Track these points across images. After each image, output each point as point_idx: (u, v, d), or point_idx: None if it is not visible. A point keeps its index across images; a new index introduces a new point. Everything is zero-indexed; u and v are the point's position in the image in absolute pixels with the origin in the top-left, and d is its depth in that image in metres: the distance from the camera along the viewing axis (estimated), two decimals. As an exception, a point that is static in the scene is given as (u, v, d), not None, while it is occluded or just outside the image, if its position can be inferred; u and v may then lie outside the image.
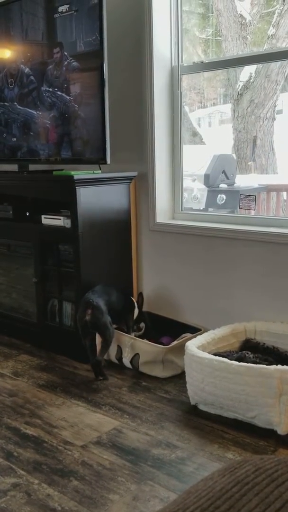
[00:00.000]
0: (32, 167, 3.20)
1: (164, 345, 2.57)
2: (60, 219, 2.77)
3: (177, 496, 1.54)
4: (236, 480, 0.63)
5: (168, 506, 0.62)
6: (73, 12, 2.68)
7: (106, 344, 2.50)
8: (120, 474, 1.80)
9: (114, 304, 2.60)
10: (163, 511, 0.60)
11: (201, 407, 2.20)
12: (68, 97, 2.80)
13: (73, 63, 2.74)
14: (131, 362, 2.62)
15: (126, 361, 2.64)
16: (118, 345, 2.65)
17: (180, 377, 2.49)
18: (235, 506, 0.57)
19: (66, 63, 2.77)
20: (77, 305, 2.57)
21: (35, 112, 3.02)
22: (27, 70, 3.01)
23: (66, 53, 2.76)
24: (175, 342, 2.61)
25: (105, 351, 2.51)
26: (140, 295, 2.84)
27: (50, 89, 2.89)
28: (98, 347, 2.72)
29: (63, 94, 2.83)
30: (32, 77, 2.99)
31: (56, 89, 2.86)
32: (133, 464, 1.86)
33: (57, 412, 2.25)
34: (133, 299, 2.81)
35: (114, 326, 2.68)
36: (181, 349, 2.39)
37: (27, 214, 3.09)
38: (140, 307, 2.80)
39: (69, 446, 1.99)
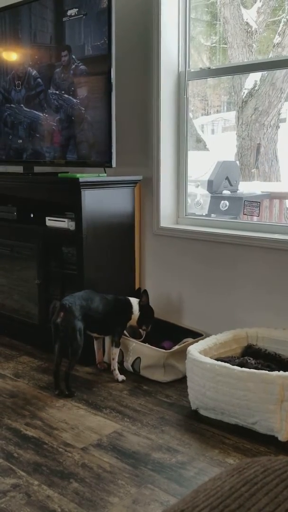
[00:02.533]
0: (37, 169, 3.21)
1: (165, 350, 2.57)
2: (64, 221, 2.78)
3: (179, 499, 1.54)
4: (245, 480, 0.63)
5: (177, 504, 0.62)
6: (82, 16, 2.70)
7: (73, 353, 2.39)
8: (120, 477, 1.80)
9: (94, 311, 2.48)
10: (172, 509, 0.60)
11: (202, 412, 2.20)
12: (75, 100, 2.82)
13: (81, 67, 2.76)
14: (132, 365, 2.62)
15: (128, 364, 2.64)
16: (120, 349, 2.64)
17: (181, 382, 2.49)
18: (244, 505, 0.58)
19: (73, 66, 2.79)
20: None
21: (41, 115, 3.04)
22: (34, 72, 3.03)
23: (74, 57, 2.78)
24: (176, 347, 2.61)
25: (73, 363, 2.42)
26: (144, 292, 2.68)
27: (57, 92, 2.91)
28: (100, 351, 2.73)
29: (70, 97, 2.84)
30: (39, 80, 3.01)
31: (63, 92, 2.87)
32: (133, 467, 1.86)
33: (57, 414, 2.25)
34: (133, 303, 2.63)
35: (97, 335, 2.63)
36: (182, 353, 2.39)
37: (31, 215, 3.09)
38: (146, 305, 2.65)
39: (70, 448, 1.99)
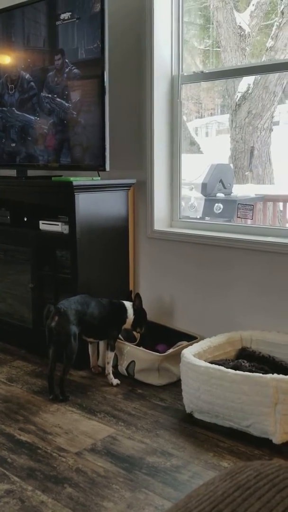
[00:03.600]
0: (30, 172, 3.20)
1: (160, 353, 2.57)
2: (58, 225, 2.78)
3: (173, 503, 1.53)
4: (238, 484, 0.63)
5: (169, 510, 0.61)
6: (75, 19, 2.70)
7: (67, 358, 2.38)
8: (115, 482, 1.79)
9: (90, 316, 2.47)
10: (164, 515, 0.60)
11: (197, 415, 2.19)
12: (68, 104, 2.81)
13: (74, 70, 2.76)
14: (126, 369, 2.61)
15: (122, 368, 2.63)
16: (114, 353, 2.64)
17: (175, 385, 2.49)
18: (237, 510, 0.57)
19: (67, 70, 2.79)
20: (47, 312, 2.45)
21: (34, 118, 3.03)
22: (27, 76, 3.03)
23: (67, 60, 2.78)
24: (171, 350, 2.61)
25: (68, 368, 2.41)
26: (137, 296, 2.68)
27: (50, 96, 2.90)
28: (94, 355, 2.72)
29: (63, 101, 2.84)
30: (32, 83, 3.00)
31: (56, 95, 2.87)
32: (127, 471, 1.85)
33: (51, 419, 2.24)
34: (127, 307, 2.62)
35: (93, 340, 2.62)
36: (177, 357, 2.39)
37: (25, 219, 3.08)
38: (140, 309, 2.65)
39: (64, 453, 1.98)
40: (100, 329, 2.56)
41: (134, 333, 2.72)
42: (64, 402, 2.37)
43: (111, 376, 2.55)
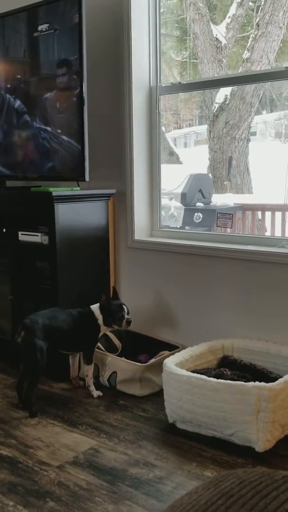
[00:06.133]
0: (9, 183, 3.18)
1: (141, 363, 2.55)
2: (37, 235, 2.75)
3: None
4: (221, 493, 0.63)
5: (152, 521, 0.61)
6: (53, 31, 2.70)
7: (32, 373, 2.35)
8: (98, 494, 1.77)
9: (58, 329, 2.41)
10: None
11: (179, 425, 2.18)
12: (47, 115, 2.81)
13: (52, 81, 2.75)
14: (108, 380, 2.59)
15: (104, 379, 2.61)
16: (95, 363, 2.62)
17: (157, 395, 2.47)
18: (220, 519, 0.57)
19: (46, 81, 2.78)
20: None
21: (13, 129, 3.01)
22: (10, 99, 3.01)
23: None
24: (152, 360, 2.60)
25: (34, 384, 2.37)
26: (103, 293, 2.54)
27: (30, 108, 2.89)
28: (74, 367, 2.70)
29: (43, 112, 2.83)
30: (18, 104, 2.99)
31: (36, 107, 2.86)
32: (110, 484, 1.83)
33: (32, 432, 2.20)
34: (94, 310, 2.51)
35: (66, 353, 2.58)
36: (158, 367, 2.38)
37: (4, 230, 3.05)
38: (106, 304, 2.49)
39: (45, 466, 1.95)
40: (73, 342, 2.51)
41: (116, 343, 2.71)
42: (33, 418, 2.31)
43: (93, 387, 2.52)
